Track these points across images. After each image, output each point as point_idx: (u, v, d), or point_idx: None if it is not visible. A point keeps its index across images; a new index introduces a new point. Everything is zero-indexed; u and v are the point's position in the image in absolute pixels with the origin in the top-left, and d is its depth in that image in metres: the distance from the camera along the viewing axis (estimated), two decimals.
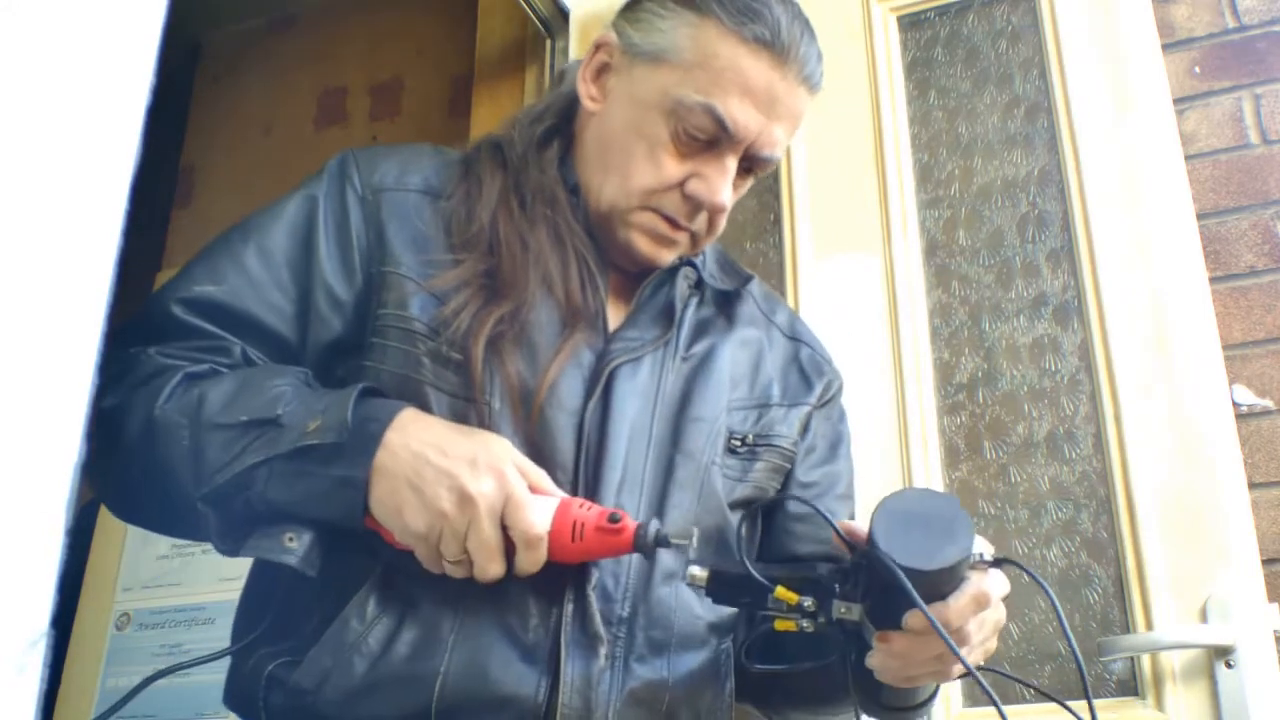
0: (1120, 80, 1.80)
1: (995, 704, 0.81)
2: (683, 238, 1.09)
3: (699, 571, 0.92)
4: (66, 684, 2.43)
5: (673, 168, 1.05)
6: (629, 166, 1.05)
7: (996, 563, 0.88)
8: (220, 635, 2.38)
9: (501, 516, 0.88)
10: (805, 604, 0.88)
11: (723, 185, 1.05)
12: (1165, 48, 1.87)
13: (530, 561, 0.90)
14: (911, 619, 0.84)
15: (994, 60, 1.96)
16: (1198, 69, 1.90)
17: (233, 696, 0.99)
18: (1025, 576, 0.92)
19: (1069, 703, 0.95)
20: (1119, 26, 1.83)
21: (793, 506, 1.13)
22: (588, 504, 0.92)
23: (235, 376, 0.96)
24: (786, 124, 1.06)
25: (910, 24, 2.04)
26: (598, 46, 1.12)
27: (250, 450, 0.89)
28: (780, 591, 0.89)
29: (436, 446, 0.89)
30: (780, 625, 0.90)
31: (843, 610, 0.87)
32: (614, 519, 0.89)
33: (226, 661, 1.00)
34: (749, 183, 1.12)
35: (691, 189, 1.04)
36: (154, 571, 2.51)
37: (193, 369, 0.96)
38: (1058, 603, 0.92)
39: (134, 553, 2.52)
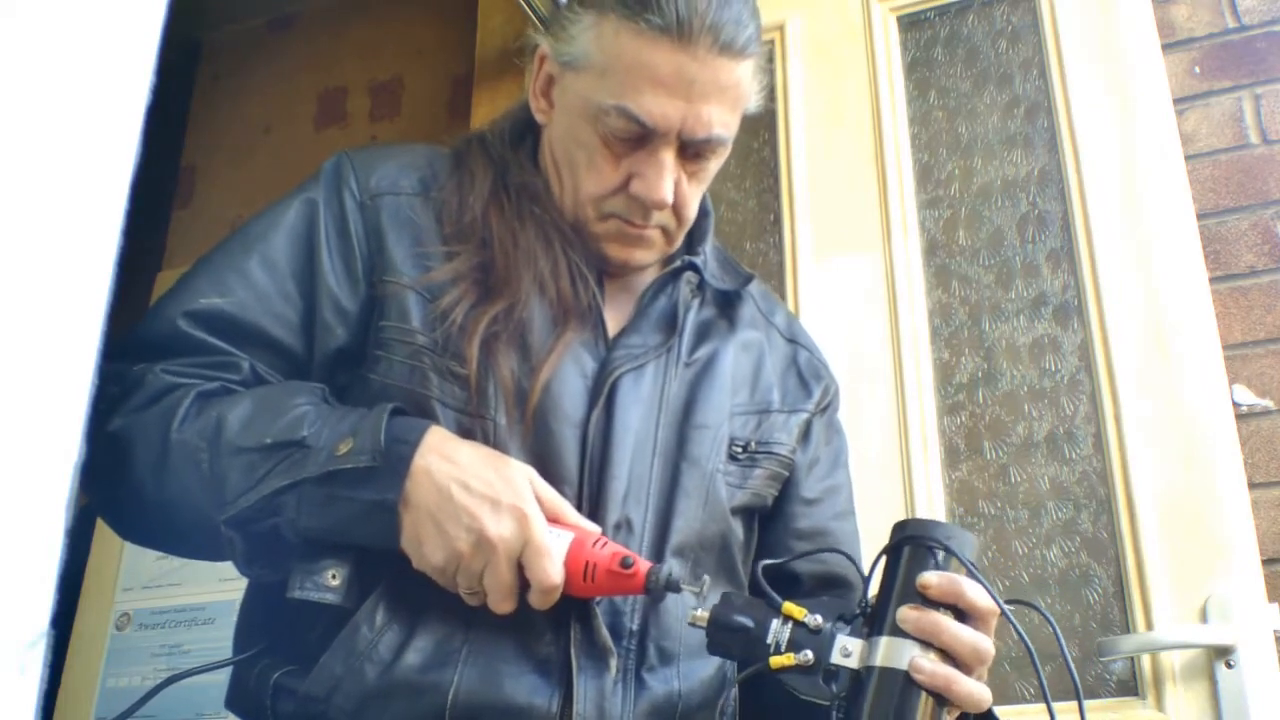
0: (1120, 80, 1.80)
1: None
2: (652, 234, 1.07)
3: (701, 613, 0.91)
4: (66, 684, 2.43)
5: (611, 172, 1.03)
6: (576, 177, 1.05)
7: None
8: (220, 635, 2.39)
9: (518, 559, 0.89)
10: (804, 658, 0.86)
11: (662, 182, 1.02)
12: (1165, 48, 1.87)
13: (542, 604, 0.90)
14: None
15: (994, 60, 1.96)
16: (1198, 69, 1.90)
17: (237, 703, 0.98)
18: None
19: (1059, 702, 0.95)
20: (1119, 26, 1.83)
21: (796, 523, 1.12)
22: (602, 541, 0.92)
23: (252, 396, 0.94)
24: (715, 101, 1.01)
25: (910, 24, 2.04)
26: (540, 60, 1.10)
27: (276, 473, 0.88)
28: (776, 661, 0.87)
29: (460, 480, 0.89)
30: (776, 662, 0.88)
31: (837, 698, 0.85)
32: (626, 563, 0.89)
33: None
34: (709, 165, 1.07)
35: (633, 190, 1.03)
36: (154, 571, 2.51)
37: (204, 388, 0.95)
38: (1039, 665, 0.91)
39: (134, 553, 2.52)
